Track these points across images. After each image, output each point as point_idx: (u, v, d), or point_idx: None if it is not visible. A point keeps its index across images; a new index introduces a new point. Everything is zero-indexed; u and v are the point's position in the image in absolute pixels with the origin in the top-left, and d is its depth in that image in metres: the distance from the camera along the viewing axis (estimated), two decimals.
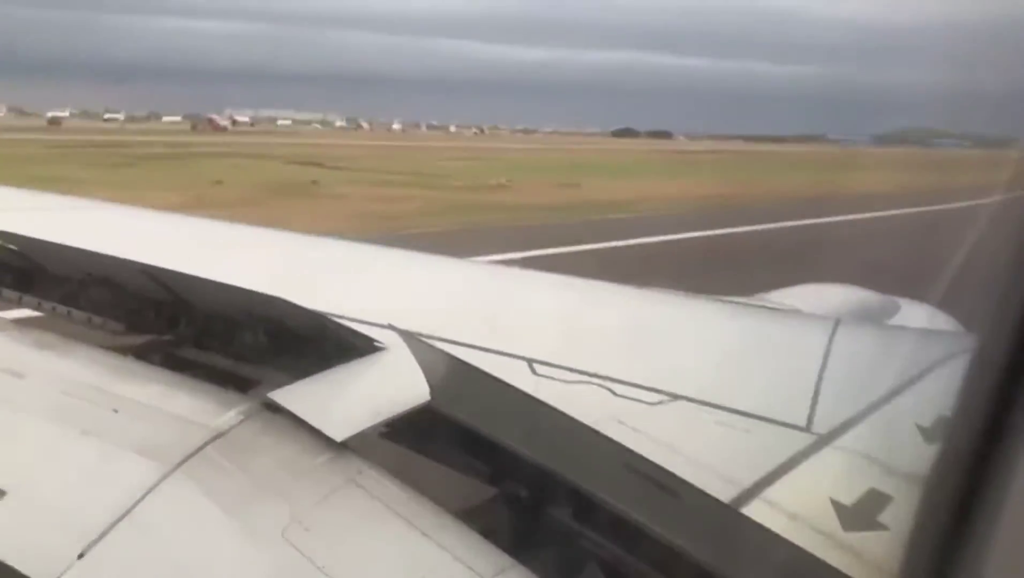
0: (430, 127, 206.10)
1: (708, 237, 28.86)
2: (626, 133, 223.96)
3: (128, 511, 2.66)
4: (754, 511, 2.45)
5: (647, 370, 3.52)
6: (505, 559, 2.42)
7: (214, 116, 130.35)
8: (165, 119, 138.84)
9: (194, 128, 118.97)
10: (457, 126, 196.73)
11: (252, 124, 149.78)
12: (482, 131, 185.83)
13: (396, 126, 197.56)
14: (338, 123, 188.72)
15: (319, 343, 3.86)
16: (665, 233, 28.83)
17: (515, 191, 43.39)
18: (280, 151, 70.49)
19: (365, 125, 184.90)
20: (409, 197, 38.37)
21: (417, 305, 4.46)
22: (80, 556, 2.55)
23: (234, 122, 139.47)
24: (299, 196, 38.70)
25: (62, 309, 5.01)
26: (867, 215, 32.98)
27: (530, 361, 3.54)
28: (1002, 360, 0.96)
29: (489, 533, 2.58)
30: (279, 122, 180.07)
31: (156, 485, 2.73)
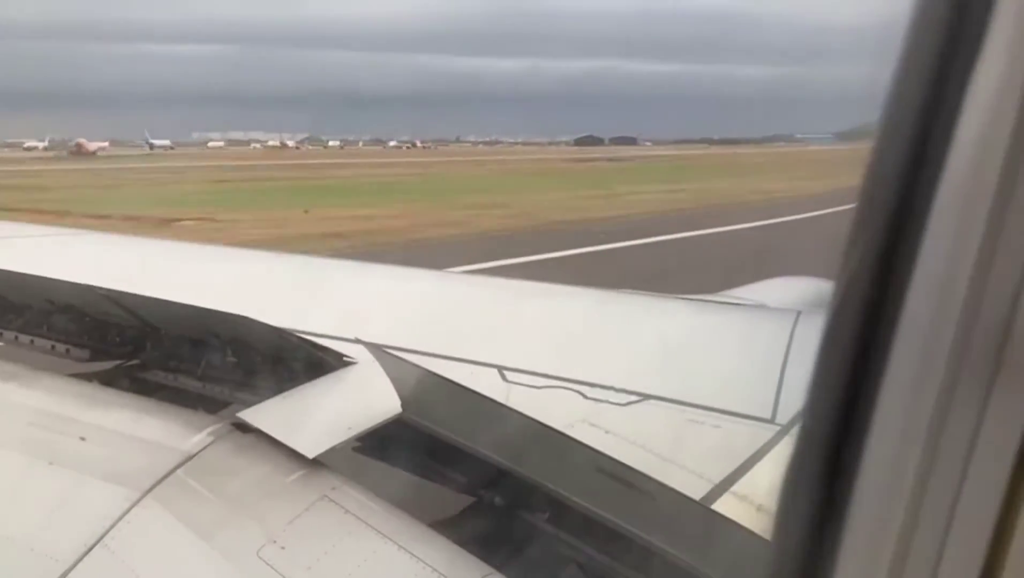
0: (366, 143, 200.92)
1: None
2: (589, 141, 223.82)
3: (99, 539, 2.63)
4: (725, 506, 2.49)
5: (616, 371, 3.56)
6: (484, 567, 2.43)
7: (82, 140, 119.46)
8: (27, 144, 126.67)
9: (55, 154, 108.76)
10: (399, 141, 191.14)
11: (172, 147, 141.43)
12: (413, 145, 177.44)
13: (334, 142, 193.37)
14: (270, 142, 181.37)
15: (287, 360, 3.84)
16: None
17: (216, 223, 31.94)
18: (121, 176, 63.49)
19: (291, 144, 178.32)
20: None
21: (384, 317, 4.46)
22: None
23: (151, 146, 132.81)
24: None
25: (24, 338, 4.93)
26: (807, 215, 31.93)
27: (500, 368, 3.56)
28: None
29: (466, 542, 2.59)
30: (209, 144, 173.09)
31: (127, 512, 2.71)
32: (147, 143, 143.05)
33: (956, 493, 0.90)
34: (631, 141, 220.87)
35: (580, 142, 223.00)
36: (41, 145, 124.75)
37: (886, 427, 0.93)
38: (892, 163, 0.95)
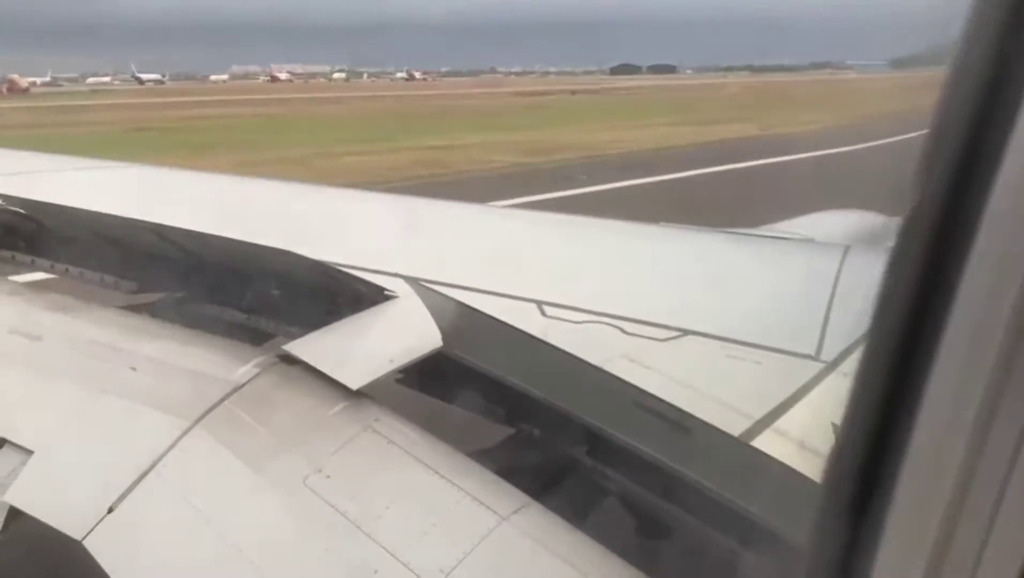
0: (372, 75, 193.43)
1: None
2: (625, 70, 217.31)
3: (153, 466, 2.72)
4: (764, 442, 2.49)
5: (657, 307, 3.54)
6: (522, 497, 2.47)
7: (14, 77, 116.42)
8: None
9: None
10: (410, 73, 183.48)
11: (163, 81, 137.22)
12: (412, 77, 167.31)
13: (339, 75, 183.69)
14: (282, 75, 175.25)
15: (330, 294, 3.89)
16: None
17: None
18: None
19: (283, 76, 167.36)
20: None
21: (424, 251, 4.47)
22: (110, 510, 2.63)
23: (140, 81, 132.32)
24: None
25: (75, 270, 5.05)
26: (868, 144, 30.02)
27: (539, 303, 3.56)
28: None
29: (505, 473, 2.63)
30: (212, 78, 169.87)
31: (178, 440, 2.79)
32: (134, 76, 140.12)
33: (1020, 432, 0.87)
34: (670, 69, 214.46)
35: (616, 71, 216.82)
36: None
37: (949, 365, 0.90)
38: (969, 89, 0.88)
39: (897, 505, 0.94)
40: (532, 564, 2.29)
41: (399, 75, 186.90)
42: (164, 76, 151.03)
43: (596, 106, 69.18)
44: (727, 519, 2.32)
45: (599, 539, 2.36)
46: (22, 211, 5.04)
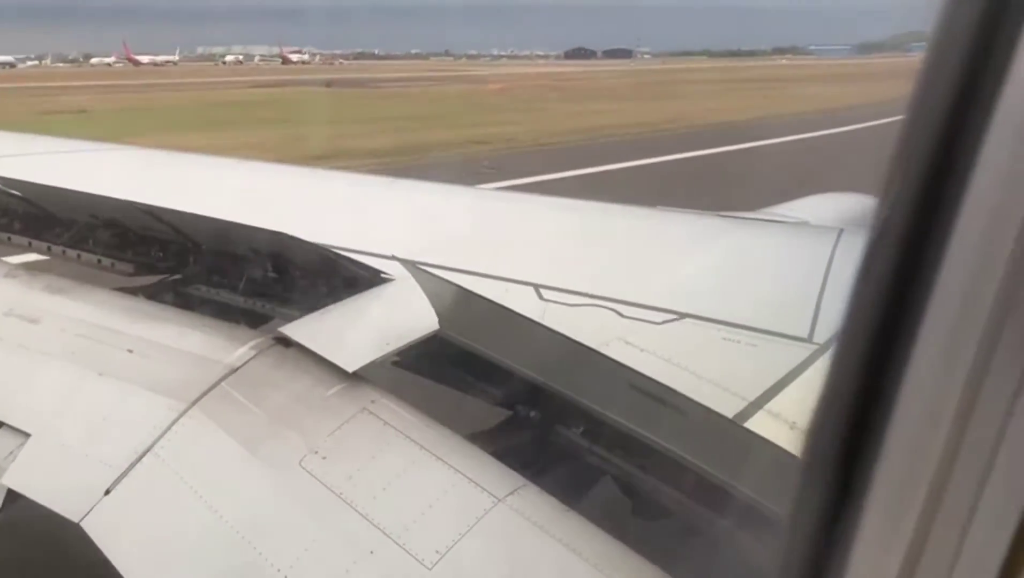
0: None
1: None
2: (580, 54, 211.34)
3: (149, 448, 2.74)
4: (757, 424, 2.50)
5: (653, 290, 3.55)
6: (518, 479, 2.49)
7: None
8: None
9: None
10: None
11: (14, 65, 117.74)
12: (287, 60, 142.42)
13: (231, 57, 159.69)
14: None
15: (326, 277, 3.89)
16: None
17: None
18: None
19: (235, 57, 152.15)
20: None
21: (421, 234, 4.47)
22: (107, 492, 2.64)
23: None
24: None
25: (71, 253, 5.04)
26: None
27: (536, 286, 3.56)
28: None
29: (502, 454, 2.65)
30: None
31: (175, 421, 2.80)
32: None
33: (1001, 426, 0.87)
34: (626, 54, 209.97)
35: (570, 55, 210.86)
36: None
37: (927, 355, 0.90)
38: (946, 75, 0.87)
39: (878, 484, 0.95)
40: (527, 545, 2.31)
41: (259, 55, 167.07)
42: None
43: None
44: (721, 499, 2.34)
45: (594, 520, 2.38)
46: (18, 193, 5.03)
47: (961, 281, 0.87)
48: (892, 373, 0.92)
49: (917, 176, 0.90)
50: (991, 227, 0.84)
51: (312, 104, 52.53)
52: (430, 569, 2.22)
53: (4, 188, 5.05)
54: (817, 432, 1.05)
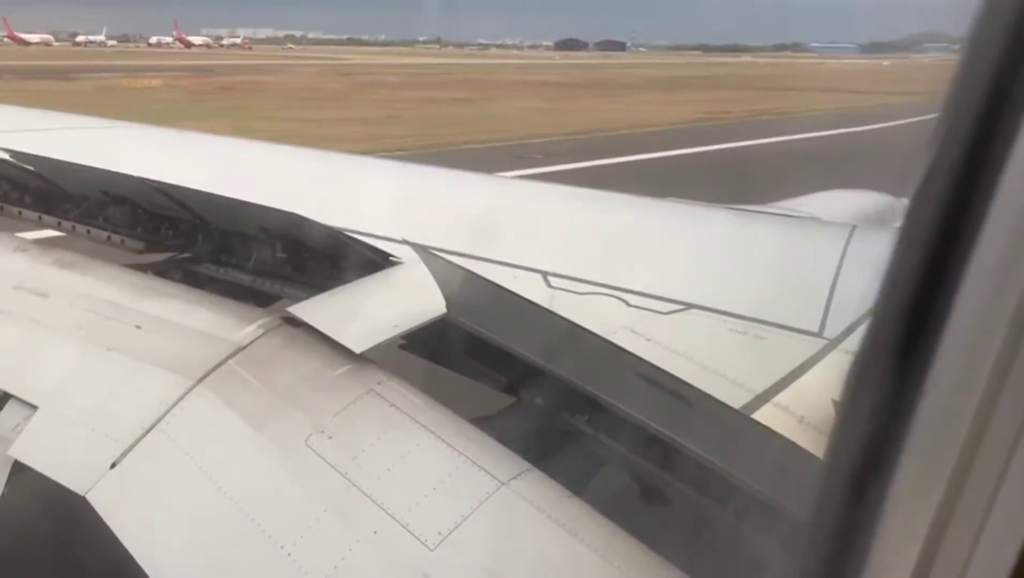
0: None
1: None
2: (572, 45, 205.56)
3: (155, 423, 2.75)
4: (764, 416, 2.50)
5: (661, 279, 3.54)
6: (522, 463, 2.49)
7: None
8: None
9: None
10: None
11: None
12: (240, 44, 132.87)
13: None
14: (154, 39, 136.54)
15: (335, 258, 3.89)
16: None
17: None
18: None
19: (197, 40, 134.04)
20: None
21: (431, 219, 4.47)
22: (112, 466, 2.66)
23: None
24: None
25: (81, 228, 5.05)
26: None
27: (544, 273, 3.56)
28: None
29: (506, 439, 2.65)
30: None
31: (181, 398, 2.81)
32: None
33: (1019, 430, 0.86)
34: (619, 47, 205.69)
35: (561, 47, 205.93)
36: None
37: (953, 349, 0.89)
38: (981, 74, 0.87)
39: (898, 483, 0.94)
40: (530, 528, 2.31)
41: (197, 38, 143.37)
42: None
43: None
44: (725, 489, 2.34)
45: (597, 506, 2.38)
46: (30, 168, 5.04)
47: (983, 286, 0.87)
48: (914, 376, 0.92)
49: (947, 178, 0.89)
50: (1017, 229, 0.83)
51: None
52: (432, 550, 2.23)
53: (16, 162, 5.06)
54: (840, 433, 1.05)
